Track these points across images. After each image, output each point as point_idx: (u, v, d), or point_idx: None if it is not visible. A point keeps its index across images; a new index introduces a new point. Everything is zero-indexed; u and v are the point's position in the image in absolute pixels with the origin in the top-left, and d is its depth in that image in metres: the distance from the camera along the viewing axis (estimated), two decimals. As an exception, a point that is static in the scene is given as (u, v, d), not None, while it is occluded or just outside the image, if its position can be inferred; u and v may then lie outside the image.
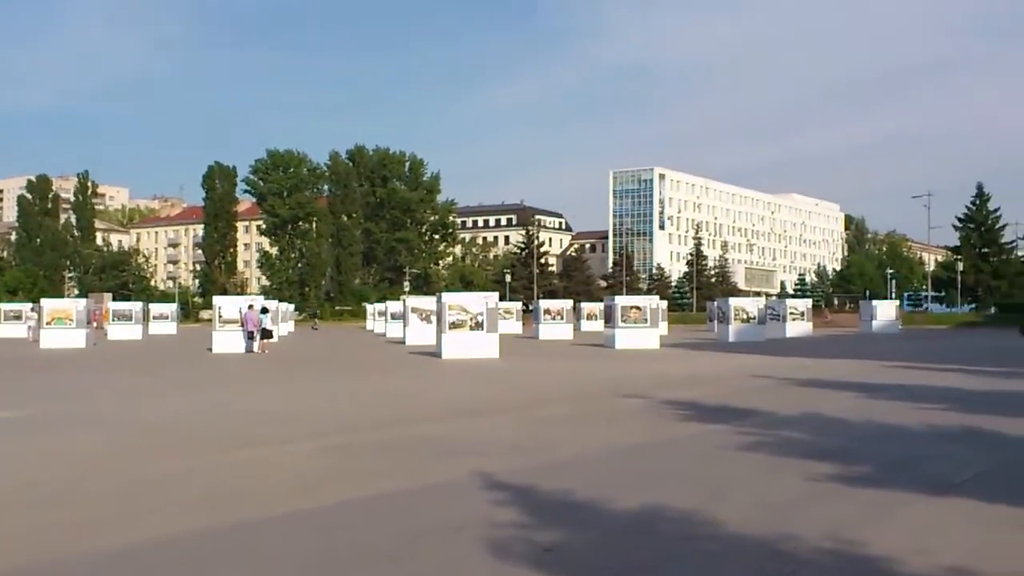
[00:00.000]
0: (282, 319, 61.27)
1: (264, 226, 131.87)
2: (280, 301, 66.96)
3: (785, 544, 6.78)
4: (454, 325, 33.62)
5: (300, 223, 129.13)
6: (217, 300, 43.62)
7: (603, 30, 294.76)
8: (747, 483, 9.34)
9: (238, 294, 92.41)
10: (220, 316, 40.40)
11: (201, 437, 13.04)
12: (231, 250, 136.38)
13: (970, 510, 8.01)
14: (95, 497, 8.97)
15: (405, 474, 9.93)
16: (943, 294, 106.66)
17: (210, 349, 38.94)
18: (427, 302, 46.91)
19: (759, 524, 7.37)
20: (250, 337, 37.99)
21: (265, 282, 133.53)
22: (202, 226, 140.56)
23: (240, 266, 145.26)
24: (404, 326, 47.12)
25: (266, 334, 38.76)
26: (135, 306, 64.66)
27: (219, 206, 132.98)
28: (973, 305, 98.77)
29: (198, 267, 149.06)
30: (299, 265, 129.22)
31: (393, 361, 33.66)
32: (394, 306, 60.14)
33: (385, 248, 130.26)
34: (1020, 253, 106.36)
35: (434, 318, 38.71)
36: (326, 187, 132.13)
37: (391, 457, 11.16)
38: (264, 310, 39.69)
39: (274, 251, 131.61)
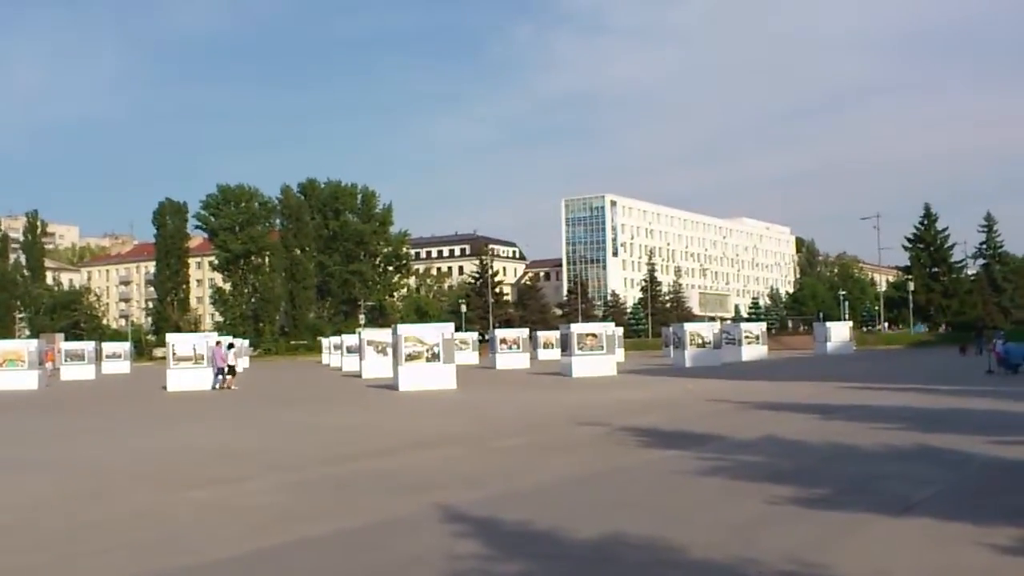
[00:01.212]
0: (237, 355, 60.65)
1: (216, 261, 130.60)
2: (234, 337, 66.48)
3: (747, 568, 6.76)
4: (410, 357, 33.45)
5: (253, 258, 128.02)
6: (171, 337, 43.11)
7: (550, 60, 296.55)
8: (707, 508, 9.34)
9: (192, 331, 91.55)
10: (174, 354, 39.90)
11: (156, 477, 12.85)
12: (183, 286, 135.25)
13: (930, 529, 8.05)
14: (47, 540, 8.78)
15: (363, 509, 9.84)
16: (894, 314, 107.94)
17: (165, 387, 38.50)
18: (383, 334, 46.70)
19: (720, 549, 7.36)
20: (219, 373, 37.80)
21: (219, 318, 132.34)
22: (154, 263, 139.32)
23: (193, 302, 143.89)
24: (360, 359, 46.88)
25: (231, 370, 38.59)
26: (88, 345, 63.82)
27: (170, 242, 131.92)
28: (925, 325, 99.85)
29: (150, 304, 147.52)
30: (252, 300, 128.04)
31: (350, 395, 33.46)
32: (350, 339, 59.83)
33: (339, 281, 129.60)
34: (970, 272, 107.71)
35: (390, 350, 38.53)
36: (278, 221, 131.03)
37: (348, 492, 11.06)
38: (230, 346, 39.64)
39: (227, 287, 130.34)
